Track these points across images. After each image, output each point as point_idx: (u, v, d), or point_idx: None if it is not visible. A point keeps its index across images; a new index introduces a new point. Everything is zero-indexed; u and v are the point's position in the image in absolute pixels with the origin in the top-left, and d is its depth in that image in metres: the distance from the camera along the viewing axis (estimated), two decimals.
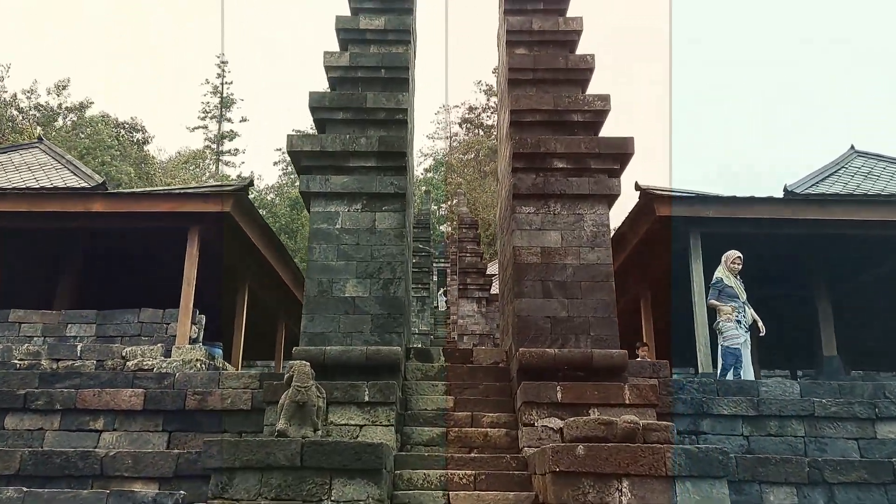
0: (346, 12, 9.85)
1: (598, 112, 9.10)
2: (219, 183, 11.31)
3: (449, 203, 48.82)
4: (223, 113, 55.52)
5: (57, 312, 10.79)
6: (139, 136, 40.25)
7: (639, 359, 10.91)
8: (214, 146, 54.28)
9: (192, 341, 10.91)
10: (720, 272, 9.71)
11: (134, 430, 8.28)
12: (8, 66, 35.33)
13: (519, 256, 8.73)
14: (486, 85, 55.58)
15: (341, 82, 9.37)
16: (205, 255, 11.22)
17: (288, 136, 8.82)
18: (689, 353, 11.44)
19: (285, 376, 6.68)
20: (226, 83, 55.33)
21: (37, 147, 14.73)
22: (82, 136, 34.32)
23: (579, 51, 9.67)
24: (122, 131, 38.86)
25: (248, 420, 8.24)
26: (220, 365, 11.11)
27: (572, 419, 6.33)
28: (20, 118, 32.78)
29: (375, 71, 9.35)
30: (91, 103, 36.60)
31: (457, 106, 58.68)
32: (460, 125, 57.62)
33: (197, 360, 10.19)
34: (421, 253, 24.41)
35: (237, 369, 12.65)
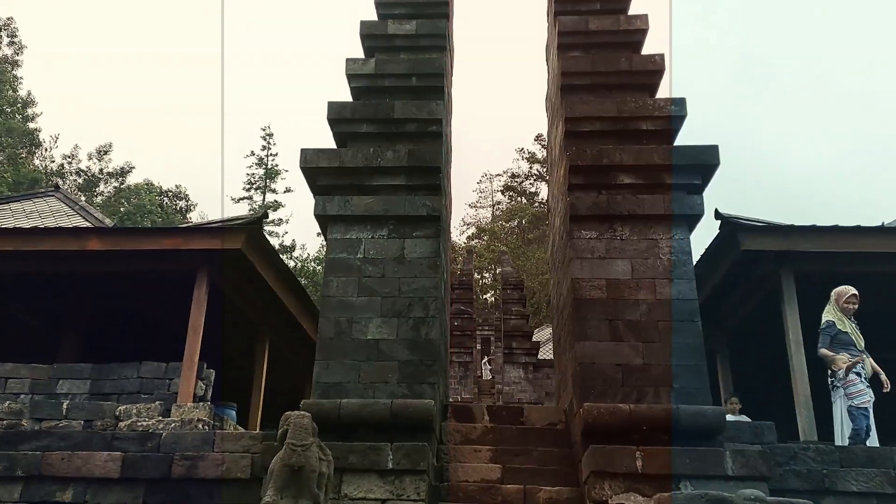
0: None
1: (672, 118, 7.60)
2: (229, 217, 9.94)
3: (492, 271, 47.36)
4: (267, 184, 55.63)
5: (47, 367, 9.43)
6: (182, 203, 40.00)
7: (729, 416, 8.99)
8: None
9: (199, 399, 9.39)
10: (831, 314, 7.87)
11: (108, 503, 6.75)
12: (56, 135, 35.69)
13: (579, 290, 7.11)
14: (528, 152, 54.71)
15: (366, 92, 8.09)
16: (217, 301, 9.84)
17: (302, 150, 7.51)
18: (784, 416, 9.48)
19: (278, 432, 5.11)
20: (271, 154, 55.69)
21: (52, 195, 13.81)
22: (124, 201, 34.10)
23: (644, 52, 8.26)
24: (166, 199, 38.66)
25: (246, 491, 6.64)
26: (231, 429, 9.56)
27: (667, 494, 4.60)
28: (63, 186, 32.69)
29: (405, 79, 8.06)
30: (132, 168, 36.61)
31: (499, 174, 57.76)
32: (503, 192, 56.56)
33: (199, 420, 8.64)
34: (463, 315, 22.76)
35: None
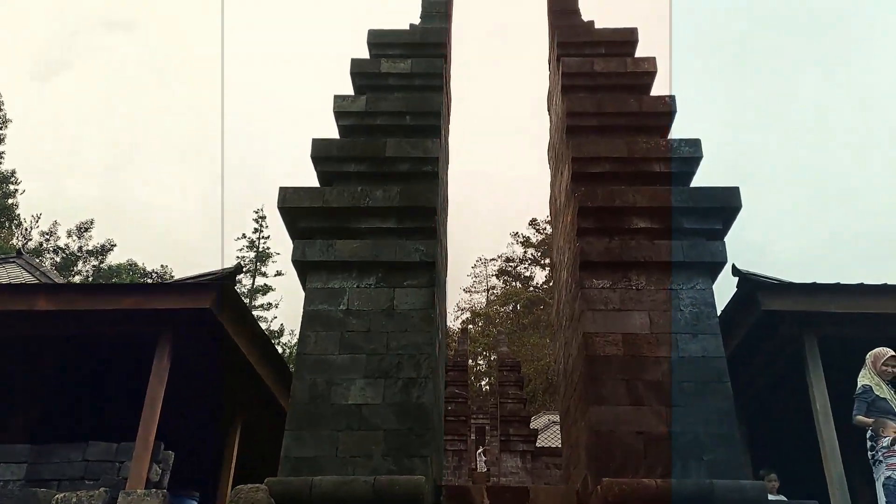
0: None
1: (687, 160, 6.93)
2: (197, 274, 8.93)
3: (487, 358, 46.25)
4: (258, 267, 54.89)
5: None
6: None
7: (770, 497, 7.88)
8: (247, 301, 53.10)
9: (153, 485, 8.20)
10: (867, 378, 6.93)
11: None
12: (38, 215, 35.03)
13: (592, 346, 6.23)
14: (523, 237, 54.52)
15: (355, 130, 7.41)
16: (182, 370, 8.81)
17: (281, 189, 6.76)
18: (811, 495, 8.42)
19: None
20: (263, 237, 55.17)
21: (14, 261, 12.91)
22: (103, 282, 33.14)
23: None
24: (150, 280, 37.74)
25: None
26: None
27: None
28: (40, 264, 31.80)
29: (399, 118, 7.40)
30: (113, 246, 35.81)
31: (493, 259, 57.37)
32: (497, 277, 56.00)
33: None
34: (457, 399, 21.54)
35: None
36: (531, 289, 50.86)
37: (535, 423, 26.08)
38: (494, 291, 55.38)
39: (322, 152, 7.05)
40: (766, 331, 8.60)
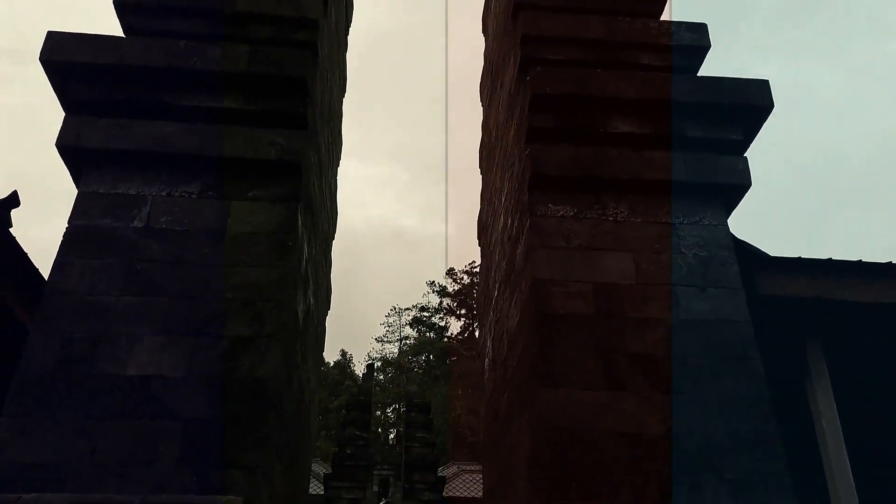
0: None
1: (688, 51, 4.77)
2: None
3: (396, 410, 43.40)
4: None
5: None
6: None
7: None
8: None
9: None
10: None
11: None
12: None
13: (546, 299, 3.84)
14: (439, 286, 52.42)
15: None
16: None
17: (49, 33, 4.18)
18: None
19: None
20: None
21: None
22: None
23: None
24: None
25: None
26: None
27: None
28: None
29: None
30: None
31: (408, 308, 54.79)
32: (411, 326, 53.47)
33: None
34: (357, 442, 18.66)
35: None
36: (445, 339, 48.46)
37: (444, 472, 23.44)
38: (408, 342, 52.69)
39: None
40: (767, 323, 6.41)
